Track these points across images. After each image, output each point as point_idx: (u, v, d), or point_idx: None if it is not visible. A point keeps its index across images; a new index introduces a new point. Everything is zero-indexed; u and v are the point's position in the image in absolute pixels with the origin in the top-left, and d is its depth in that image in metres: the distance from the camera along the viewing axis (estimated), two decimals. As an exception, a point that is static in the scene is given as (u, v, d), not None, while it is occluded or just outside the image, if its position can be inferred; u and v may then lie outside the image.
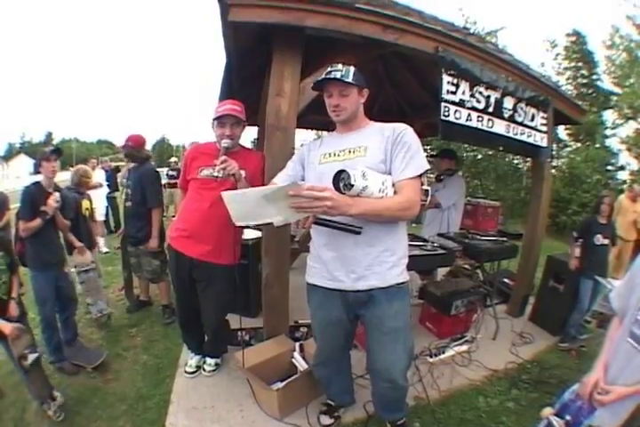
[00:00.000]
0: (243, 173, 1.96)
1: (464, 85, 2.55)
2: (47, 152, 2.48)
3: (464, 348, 2.88)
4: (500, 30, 11.05)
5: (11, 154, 58.91)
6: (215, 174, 1.85)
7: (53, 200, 2.42)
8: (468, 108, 2.58)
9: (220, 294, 2.27)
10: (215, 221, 2.12)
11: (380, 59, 3.82)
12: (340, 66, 1.59)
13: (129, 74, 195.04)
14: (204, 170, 2.14)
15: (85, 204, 3.22)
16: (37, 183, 2.51)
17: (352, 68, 1.58)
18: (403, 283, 1.66)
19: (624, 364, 1.30)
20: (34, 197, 2.43)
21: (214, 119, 2.09)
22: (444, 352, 2.79)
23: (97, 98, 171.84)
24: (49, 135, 71.13)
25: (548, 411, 1.47)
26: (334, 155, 1.64)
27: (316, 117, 2.68)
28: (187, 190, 2.30)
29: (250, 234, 3.19)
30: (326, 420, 2.09)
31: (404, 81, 4.20)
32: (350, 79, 1.54)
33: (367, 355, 1.83)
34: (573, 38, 13.17)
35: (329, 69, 1.59)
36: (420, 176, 1.58)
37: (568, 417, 1.39)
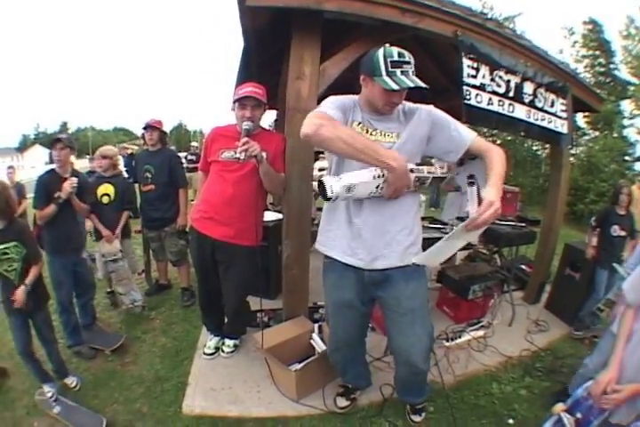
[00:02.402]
0: (264, 154, 1.96)
1: (484, 69, 2.52)
2: (52, 140, 2.51)
3: (480, 333, 2.88)
4: (518, 16, 10.84)
5: (25, 145, 59.74)
6: (237, 156, 1.85)
7: (69, 184, 2.42)
8: (489, 93, 2.55)
9: (242, 275, 2.30)
10: (237, 203, 2.15)
11: (398, 43, 3.76)
12: (407, 56, 1.40)
13: (144, 60, 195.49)
14: (225, 152, 2.15)
15: (107, 189, 3.11)
16: (52, 171, 2.52)
17: (411, 57, 1.43)
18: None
19: None
20: (47, 184, 2.45)
21: (235, 101, 2.10)
22: (460, 337, 2.79)
23: (112, 86, 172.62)
24: (64, 125, 71.54)
25: (559, 407, 1.46)
26: (367, 131, 1.54)
27: None
28: (207, 173, 2.31)
29: (270, 216, 3.20)
30: (342, 402, 2.12)
31: (422, 65, 4.10)
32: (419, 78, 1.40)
33: (387, 338, 1.85)
34: (590, 26, 12.83)
35: (396, 59, 1.38)
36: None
37: (579, 415, 1.38)
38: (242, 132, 1.94)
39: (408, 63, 1.39)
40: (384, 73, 1.38)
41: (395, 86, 1.36)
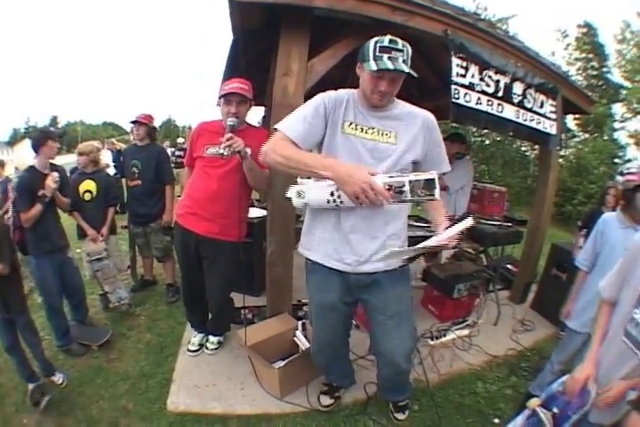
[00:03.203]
0: (248, 150, 1.95)
1: (473, 69, 2.52)
2: (54, 132, 2.48)
3: (465, 332, 2.90)
4: (511, 18, 10.90)
5: (15, 139, 58.98)
6: (221, 152, 1.84)
7: (52, 180, 2.37)
8: (478, 92, 2.55)
9: (225, 270, 2.30)
10: (221, 199, 2.14)
11: None
12: (400, 44, 1.35)
13: (133, 56, 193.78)
14: (210, 148, 2.14)
15: (89, 185, 3.05)
16: (31, 168, 2.45)
17: (409, 47, 1.37)
18: (404, 266, 1.64)
19: (617, 362, 1.26)
20: (30, 183, 2.38)
21: (220, 97, 2.09)
22: (445, 335, 2.80)
23: (102, 80, 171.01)
24: (54, 119, 70.87)
25: (534, 402, 1.44)
26: (361, 130, 1.49)
27: None
28: (193, 168, 2.30)
29: (255, 213, 3.20)
30: (326, 400, 2.12)
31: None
32: (409, 67, 1.34)
33: (371, 338, 1.86)
34: (584, 30, 12.94)
35: (386, 45, 1.34)
36: None
37: (555, 410, 1.37)
38: (226, 128, 1.93)
39: (399, 50, 1.34)
40: (371, 57, 1.35)
41: (374, 67, 1.32)
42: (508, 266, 3.92)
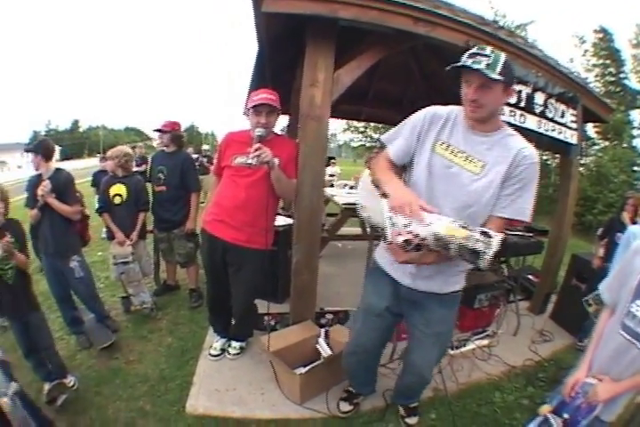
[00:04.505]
0: (276, 160, 2.00)
1: (496, 79, 2.52)
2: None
3: (485, 342, 2.88)
4: (529, 24, 10.83)
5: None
6: (249, 162, 1.88)
7: (40, 189, 2.39)
8: (548, 119, 2.57)
9: (251, 278, 2.33)
10: (249, 207, 2.18)
11: (410, 51, 3.81)
12: (487, 50, 1.29)
13: (157, 62, 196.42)
14: (238, 158, 2.18)
15: (119, 189, 3.10)
16: (39, 175, 2.53)
17: (502, 56, 1.29)
18: (458, 291, 1.66)
19: (615, 357, 1.28)
20: (32, 187, 2.48)
21: (250, 108, 2.13)
22: (464, 345, 2.79)
23: (124, 86, 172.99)
24: (75, 123, 70.50)
25: (545, 408, 1.46)
26: (451, 151, 1.43)
27: (348, 107, 2.68)
28: (220, 177, 2.35)
29: (280, 221, 3.21)
30: (345, 406, 2.13)
31: (434, 73, 4.15)
32: (496, 73, 1.25)
33: (406, 349, 1.91)
34: (600, 35, 12.80)
35: (474, 51, 1.30)
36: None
37: (566, 415, 1.38)
38: (255, 139, 1.97)
39: (485, 56, 1.28)
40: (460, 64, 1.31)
41: (453, 66, 1.30)
42: (529, 276, 3.89)
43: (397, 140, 1.54)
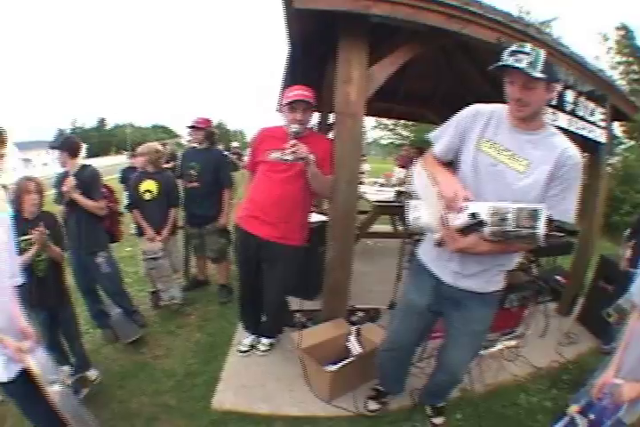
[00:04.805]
0: (312, 157, 1.99)
1: (528, 77, 2.49)
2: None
3: (513, 343, 2.85)
4: (553, 21, 10.63)
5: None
6: (285, 158, 1.89)
7: (65, 185, 2.43)
8: (578, 117, 2.54)
9: (284, 274, 2.33)
10: (284, 203, 2.18)
11: (440, 48, 3.76)
12: (528, 47, 1.29)
13: (183, 59, 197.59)
14: (273, 153, 2.18)
15: (149, 185, 3.13)
16: (66, 172, 2.56)
17: (542, 54, 1.28)
18: (499, 291, 1.66)
19: None
20: (58, 184, 2.52)
21: (285, 104, 2.13)
22: (493, 346, 2.76)
23: (150, 83, 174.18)
24: (101, 121, 71.20)
25: (574, 408, 1.48)
26: (496, 149, 1.43)
27: (379, 105, 2.66)
28: (254, 172, 2.35)
29: (314, 217, 3.19)
30: (373, 405, 2.13)
31: (464, 70, 4.11)
32: (538, 71, 1.25)
33: (440, 348, 1.90)
34: (622, 32, 12.53)
35: (514, 49, 1.30)
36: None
37: (592, 416, 1.39)
38: (290, 135, 1.98)
39: (526, 53, 1.27)
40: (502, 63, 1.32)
41: (495, 65, 1.31)
42: (558, 277, 3.81)
43: (443, 138, 1.58)
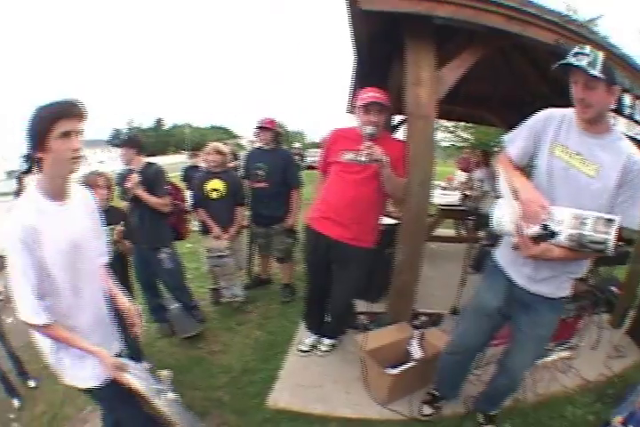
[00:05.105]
0: (387, 159, 1.99)
1: (588, 79, 2.44)
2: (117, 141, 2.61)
3: (566, 354, 2.79)
4: (599, 19, 10.39)
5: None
6: (360, 159, 1.90)
7: (129, 181, 2.47)
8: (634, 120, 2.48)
9: (354, 276, 2.33)
10: (357, 205, 2.18)
11: (498, 49, 3.74)
12: (587, 49, 1.32)
13: (238, 59, 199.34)
14: (347, 154, 2.19)
15: (216, 184, 3.14)
16: (129, 169, 2.61)
17: (601, 55, 1.32)
18: (565, 297, 1.67)
19: None
20: (122, 181, 2.56)
21: (359, 106, 2.14)
22: (548, 356, 2.69)
23: (207, 83, 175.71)
24: (159, 121, 71.66)
25: (618, 419, 1.55)
26: (568, 153, 1.45)
27: (443, 107, 2.61)
28: (326, 173, 2.36)
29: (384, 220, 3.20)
30: (427, 410, 2.12)
31: (523, 71, 4.06)
32: (597, 71, 1.27)
33: (505, 351, 1.89)
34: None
35: (576, 51, 1.33)
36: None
37: (631, 426, 1.44)
38: (365, 136, 1.98)
39: (585, 55, 1.31)
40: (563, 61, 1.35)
41: (556, 64, 1.35)
42: (612, 288, 3.68)
43: (517, 141, 1.60)
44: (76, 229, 1.31)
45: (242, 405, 2.12)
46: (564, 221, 1.32)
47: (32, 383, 2.58)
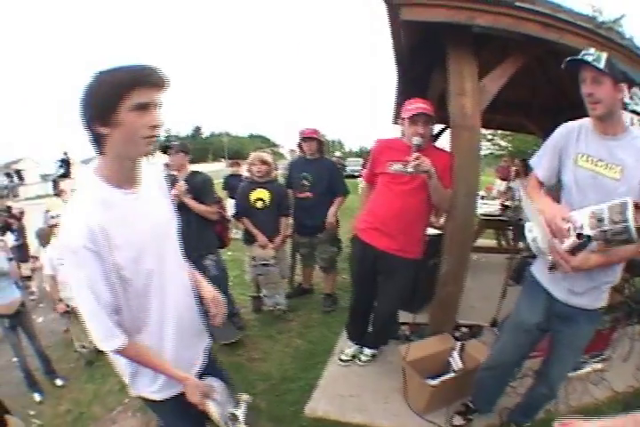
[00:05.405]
0: (434, 170, 1.99)
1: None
2: (165, 147, 2.64)
3: (599, 366, 2.77)
4: (623, 18, 10.26)
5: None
6: (408, 170, 1.90)
7: (176, 189, 2.47)
8: (630, 112, 2.43)
9: (399, 287, 2.33)
10: (404, 216, 2.18)
11: (536, 59, 3.72)
12: (592, 50, 1.38)
13: (276, 68, 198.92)
14: (394, 165, 2.19)
15: (261, 193, 3.13)
16: (171, 175, 2.61)
17: (605, 54, 1.37)
18: (602, 308, 1.67)
19: None
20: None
21: (406, 117, 2.14)
22: (581, 368, 2.68)
23: (247, 93, 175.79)
24: (197, 129, 72.08)
25: None
26: (592, 162, 1.48)
27: (483, 115, 2.60)
28: (372, 184, 2.37)
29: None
30: (459, 420, 2.12)
31: (559, 76, 3.96)
32: (602, 65, 1.33)
33: (544, 361, 1.89)
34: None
35: (582, 53, 1.40)
36: None
37: None
38: (413, 147, 1.98)
39: (590, 54, 1.36)
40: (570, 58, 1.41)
41: (566, 61, 1.40)
42: None
43: (542, 162, 1.65)
44: (155, 220, 1.11)
45: (279, 412, 2.13)
46: (584, 224, 1.33)
47: (59, 382, 2.64)
